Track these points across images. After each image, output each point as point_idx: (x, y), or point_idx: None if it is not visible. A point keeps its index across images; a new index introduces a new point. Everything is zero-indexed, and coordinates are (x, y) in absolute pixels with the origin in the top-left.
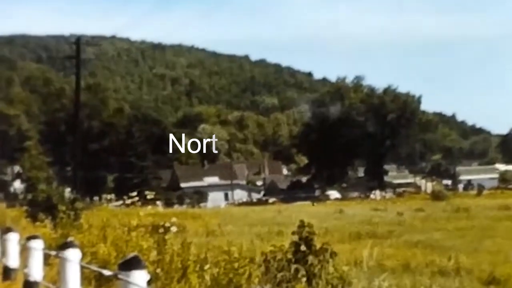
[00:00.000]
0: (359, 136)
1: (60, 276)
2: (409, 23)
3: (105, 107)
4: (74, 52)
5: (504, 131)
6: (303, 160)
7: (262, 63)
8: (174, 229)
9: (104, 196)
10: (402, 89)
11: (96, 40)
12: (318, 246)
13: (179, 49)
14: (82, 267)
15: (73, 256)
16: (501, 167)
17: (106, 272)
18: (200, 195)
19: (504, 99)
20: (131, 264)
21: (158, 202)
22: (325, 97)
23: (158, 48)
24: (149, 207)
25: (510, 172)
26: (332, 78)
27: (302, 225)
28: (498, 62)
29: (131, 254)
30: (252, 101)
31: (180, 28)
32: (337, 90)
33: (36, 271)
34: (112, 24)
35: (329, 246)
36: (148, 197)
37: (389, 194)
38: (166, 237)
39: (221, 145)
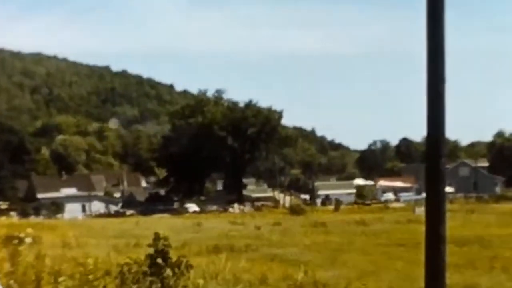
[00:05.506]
0: (219, 150)
1: None
2: (270, 37)
3: None
4: None
5: (362, 147)
6: (163, 172)
7: (123, 74)
8: (28, 240)
9: None
10: (264, 103)
11: None
12: (174, 258)
13: (38, 58)
14: None
15: None
16: (359, 182)
17: None
18: (57, 206)
19: (362, 115)
20: None
21: (12, 213)
22: (185, 109)
23: (17, 56)
24: (3, 217)
25: (367, 188)
26: (194, 90)
27: (157, 237)
28: (357, 79)
29: None
30: (112, 112)
31: (40, 36)
32: (198, 103)
33: None
34: None
35: (185, 258)
36: (2, 207)
37: (247, 208)
38: (20, 248)
39: (79, 156)
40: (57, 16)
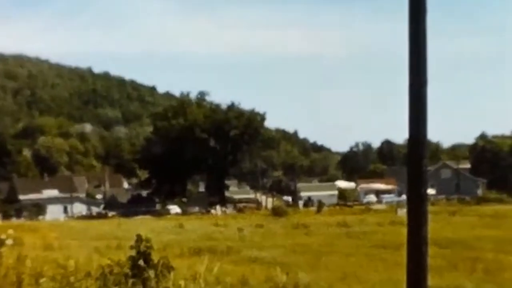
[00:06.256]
0: (201, 151)
1: None
2: (253, 39)
3: None
4: None
5: (344, 149)
6: (145, 174)
7: (105, 75)
8: (9, 241)
9: None
10: (247, 105)
11: None
12: (156, 260)
13: (20, 60)
14: None
15: None
16: (341, 184)
17: None
18: (38, 208)
19: (344, 118)
20: None
21: None
22: (168, 111)
23: None
24: None
25: (349, 189)
26: (176, 92)
27: (139, 239)
28: (340, 81)
29: None
30: (94, 114)
31: (23, 38)
32: (181, 105)
33: None
34: None
35: (166, 260)
36: None
37: (230, 210)
38: (1, 250)
39: (61, 157)
40: (39, 17)
